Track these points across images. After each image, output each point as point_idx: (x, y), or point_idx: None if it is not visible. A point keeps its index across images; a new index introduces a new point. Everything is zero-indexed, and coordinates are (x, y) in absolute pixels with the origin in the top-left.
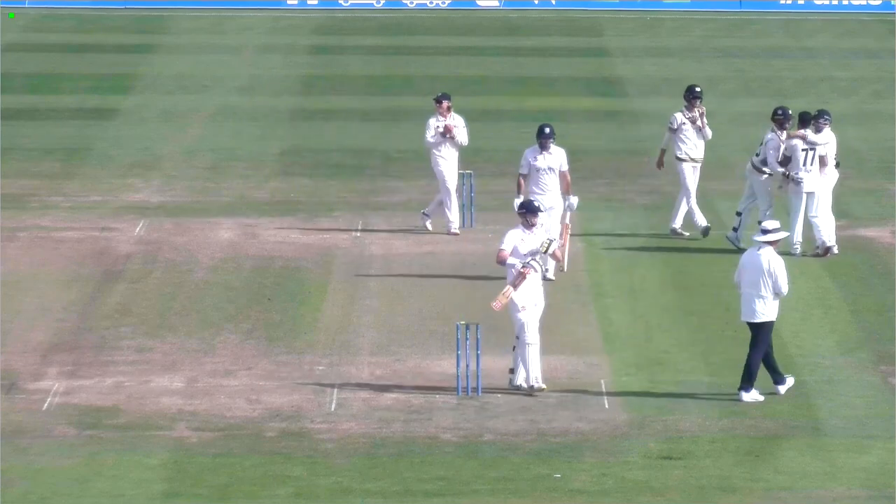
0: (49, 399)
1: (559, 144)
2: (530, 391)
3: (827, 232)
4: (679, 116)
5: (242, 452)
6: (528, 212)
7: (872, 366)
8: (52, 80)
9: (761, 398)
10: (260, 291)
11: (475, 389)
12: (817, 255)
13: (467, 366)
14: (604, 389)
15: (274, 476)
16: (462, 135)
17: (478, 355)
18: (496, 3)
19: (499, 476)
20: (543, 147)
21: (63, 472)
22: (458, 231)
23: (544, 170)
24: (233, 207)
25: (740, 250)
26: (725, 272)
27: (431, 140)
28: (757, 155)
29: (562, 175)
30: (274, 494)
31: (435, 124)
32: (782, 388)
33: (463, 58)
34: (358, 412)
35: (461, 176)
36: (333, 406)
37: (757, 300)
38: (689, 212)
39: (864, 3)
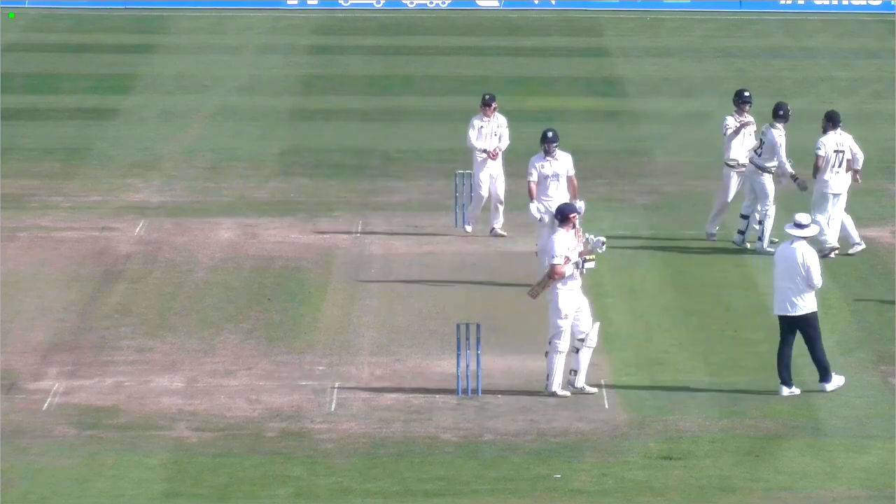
0: (49, 399)
1: (563, 149)
2: (552, 395)
3: (834, 235)
4: (731, 121)
5: (242, 452)
6: (573, 212)
7: (872, 366)
8: (51, 80)
9: (842, 380)
10: (260, 291)
11: (475, 389)
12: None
13: (467, 366)
14: (604, 389)
15: (274, 476)
16: (505, 141)
17: (478, 355)
18: (496, 3)
19: (499, 476)
20: (548, 153)
21: (63, 472)
22: (470, 230)
23: (551, 176)
24: (233, 207)
25: (745, 251)
26: (725, 272)
27: (475, 144)
28: (759, 154)
29: (568, 180)
30: (274, 494)
31: (479, 125)
32: (786, 391)
33: (463, 58)
34: (358, 412)
35: (461, 176)
36: (333, 406)
37: (794, 294)
38: (716, 211)
39: (864, 3)
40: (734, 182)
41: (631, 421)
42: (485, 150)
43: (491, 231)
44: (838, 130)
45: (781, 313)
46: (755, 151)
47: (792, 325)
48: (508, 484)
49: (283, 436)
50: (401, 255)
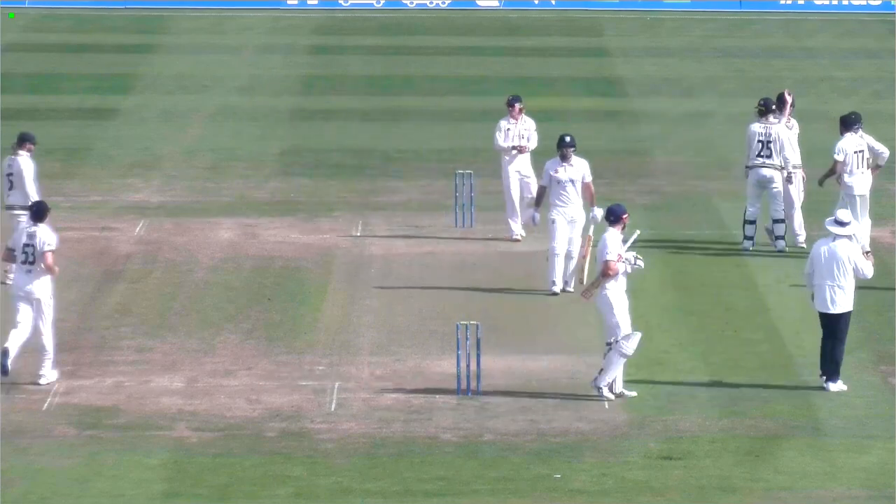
0: (49, 399)
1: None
2: (598, 390)
3: (865, 237)
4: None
5: (242, 452)
6: (624, 213)
7: (872, 366)
8: (52, 80)
9: (845, 387)
10: (260, 291)
11: (475, 389)
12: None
13: (467, 366)
14: (604, 389)
15: (274, 476)
16: (533, 143)
17: (478, 355)
18: (496, 3)
19: (499, 476)
20: (564, 158)
21: (63, 472)
22: (519, 237)
23: (566, 182)
24: (233, 207)
25: (784, 252)
26: (725, 272)
27: (502, 145)
28: (767, 156)
29: (585, 186)
30: (274, 494)
31: (505, 127)
32: (833, 387)
33: (463, 58)
34: (358, 412)
35: (461, 176)
36: (333, 406)
37: (836, 291)
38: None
39: (864, 3)
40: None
41: (631, 421)
42: (513, 147)
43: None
44: (859, 132)
45: (824, 310)
46: (759, 154)
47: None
48: (508, 484)
49: (283, 436)
50: (401, 255)
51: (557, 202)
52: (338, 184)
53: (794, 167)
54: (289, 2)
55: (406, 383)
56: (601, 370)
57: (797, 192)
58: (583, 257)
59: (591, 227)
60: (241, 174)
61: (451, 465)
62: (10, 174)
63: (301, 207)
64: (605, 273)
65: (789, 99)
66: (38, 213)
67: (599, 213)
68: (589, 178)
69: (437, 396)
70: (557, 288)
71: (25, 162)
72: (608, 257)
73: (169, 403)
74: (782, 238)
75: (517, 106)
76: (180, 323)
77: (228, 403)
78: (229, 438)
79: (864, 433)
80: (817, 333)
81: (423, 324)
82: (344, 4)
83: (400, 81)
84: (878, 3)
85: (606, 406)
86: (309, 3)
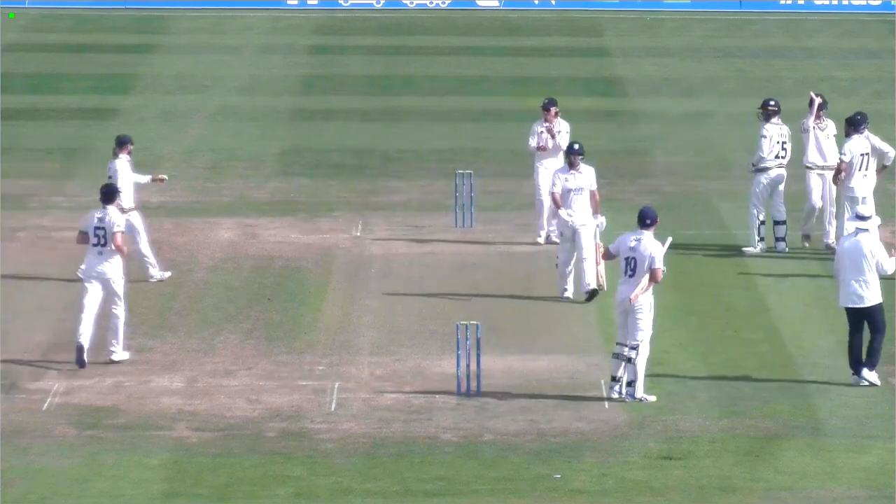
0: (49, 399)
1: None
2: (639, 401)
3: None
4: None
5: (242, 452)
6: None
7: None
8: (52, 80)
9: (878, 382)
10: (260, 291)
11: (475, 389)
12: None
13: (467, 366)
14: (604, 389)
15: (274, 476)
16: (563, 141)
17: (478, 355)
18: (496, 3)
19: (499, 476)
20: (573, 165)
21: (63, 472)
22: (542, 241)
23: (574, 190)
24: (233, 207)
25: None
26: (725, 272)
27: (533, 146)
28: (782, 157)
29: (591, 194)
30: (274, 494)
31: (538, 130)
32: (868, 374)
33: (463, 58)
34: (358, 412)
35: (461, 176)
36: (333, 406)
37: (861, 285)
38: (807, 216)
39: (864, 3)
40: (813, 183)
41: (631, 421)
42: (536, 147)
43: (547, 239)
44: (864, 133)
45: (849, 305)
46: (777, 155)
47: (860, 317)
48: (508, 484)
49: (283, 436)
50: (401, 255)
51: (567, 210)
52: (338, 184)
53: (825, 168)
54: (289, 2)
55: (406, 383)
56: (630, 383)
57: (816, 192)
58: (597, 264)
59: (598, 234)
60: (241, 174)
61: (451, 465)
62: (110, 177)
63: (301, 207)
64: (657, 279)
65: (817, 100)
66: (108, 195)
67: (603, 220)
68: (594, 187)
69: (437, 396)
70: (570, 293)
71: (122, 165)
72: (659, 265)
73: (169, 403)
74: (783, 240)
75: (553, 110)
76: (180, 323)
77: (228, 403)
78: (229, 438)
79: (864, 433)
80: (817, 334)
81: (423, 324)
82: (344, 4)
83: (400, 81)
84: (878, 3)
85: (606, 406)
86: (309, 3)
